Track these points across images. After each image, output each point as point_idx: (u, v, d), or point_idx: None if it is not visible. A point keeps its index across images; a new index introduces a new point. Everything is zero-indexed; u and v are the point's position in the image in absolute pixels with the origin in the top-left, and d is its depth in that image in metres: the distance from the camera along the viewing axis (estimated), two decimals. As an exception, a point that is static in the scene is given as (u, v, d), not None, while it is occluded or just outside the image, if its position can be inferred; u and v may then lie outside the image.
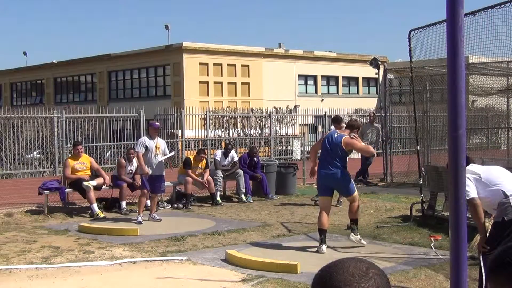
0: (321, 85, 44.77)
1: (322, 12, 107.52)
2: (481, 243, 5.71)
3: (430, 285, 6.73)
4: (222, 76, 39.41)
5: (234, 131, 26.01)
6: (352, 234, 8.82)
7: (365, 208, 12.29)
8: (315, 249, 8.52)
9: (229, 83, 39.74)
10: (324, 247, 8.44)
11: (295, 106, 35.04)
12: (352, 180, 9.00)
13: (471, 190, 5.67)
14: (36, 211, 11.89)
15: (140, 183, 11.40)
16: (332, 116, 14.43)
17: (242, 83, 40.23)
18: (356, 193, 8.89)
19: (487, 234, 5.84)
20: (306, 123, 28.85)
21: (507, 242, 5.47)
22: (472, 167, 5.94)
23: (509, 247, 1.81)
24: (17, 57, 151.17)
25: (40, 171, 19.44)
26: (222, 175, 13.69)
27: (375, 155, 17.42)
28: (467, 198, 5.97)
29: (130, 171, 12.56)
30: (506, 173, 6.14)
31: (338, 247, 8.75)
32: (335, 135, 8.75)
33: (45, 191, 11.78)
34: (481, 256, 5.64)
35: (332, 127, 13.64)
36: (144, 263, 7.92)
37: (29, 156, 20.00)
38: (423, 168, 11.39)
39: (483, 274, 5.25)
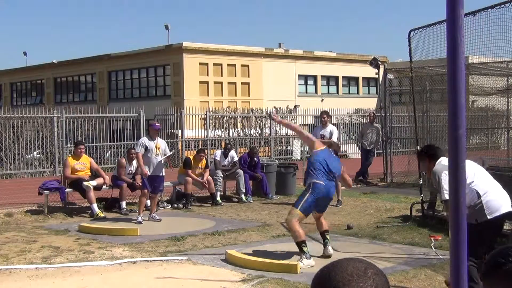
0: (321, 85, 44.74)
1: (322, 12, 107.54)
2: None
3: (430, 285, 6.73)
4: (222, 76, 39.39)
5: (234, 131, 26.00)
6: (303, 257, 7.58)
7: (365, 208, 12.30)
8: (313, 249, 8.53)
9: (229, 83, 39.72)
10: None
11: (295, 106, 35.04)
12: None
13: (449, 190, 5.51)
14: (36, 211, 11.89)
15: (141, 183, 11.41)
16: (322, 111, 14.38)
17: (242, 83, 40.21)
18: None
19: None
20: (306, 123, 28.86)
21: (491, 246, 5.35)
22: (446, 161, 5.45)
23: (503, 248, 1.82)
24: (17, 57, 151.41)
25: (40, 171, 19.45)
26: (222, 175, 13.68)
27: (375, 155, 17.47)
28: (444, 198, 5.70)
29: (130, 171, 12.56)
30: (479, 170, 5.88)
31: (338, 247, 8.75)
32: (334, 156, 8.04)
33: (45, 191, 11.78)
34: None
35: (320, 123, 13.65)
36: (144, 263, 7.92)
37: (29, 156, 20.01)
38: (423, 168, 11.37)
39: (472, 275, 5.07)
